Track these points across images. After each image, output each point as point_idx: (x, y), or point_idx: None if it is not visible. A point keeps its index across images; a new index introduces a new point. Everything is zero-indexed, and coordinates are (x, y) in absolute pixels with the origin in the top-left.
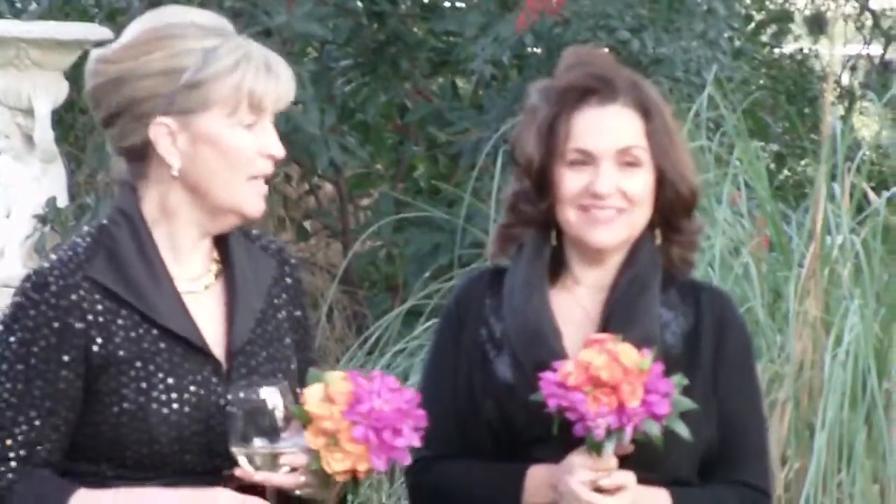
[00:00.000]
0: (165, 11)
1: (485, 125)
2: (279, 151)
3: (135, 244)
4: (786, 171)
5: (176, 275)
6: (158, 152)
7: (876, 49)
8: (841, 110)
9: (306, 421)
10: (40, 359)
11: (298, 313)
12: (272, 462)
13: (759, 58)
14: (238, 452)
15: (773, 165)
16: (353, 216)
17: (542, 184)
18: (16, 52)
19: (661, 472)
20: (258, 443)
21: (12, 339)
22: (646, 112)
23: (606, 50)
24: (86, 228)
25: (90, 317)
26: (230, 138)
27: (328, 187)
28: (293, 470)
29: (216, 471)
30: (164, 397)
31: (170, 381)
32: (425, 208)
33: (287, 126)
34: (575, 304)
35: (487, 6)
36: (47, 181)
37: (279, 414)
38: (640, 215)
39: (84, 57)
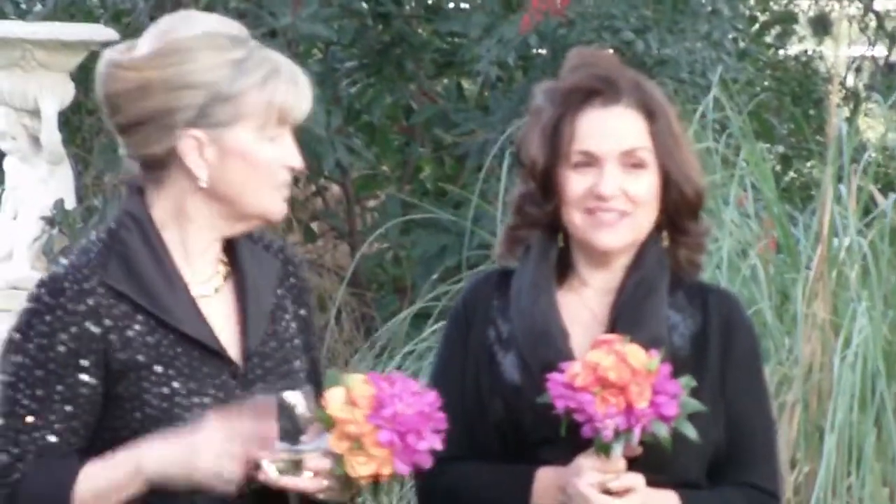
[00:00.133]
0: (185, 18)
1: (490, 126)
2: (299, 163)
3: (147, 249)
4: (792, 173)
5: (187, 279)
6: (185, 164)
7: (880, 50)
8: (846, 112)
9: (330, 425)
10: (59, 364)
11: (303, 312)
12: (296, 466)
13: (764, 59)
14: (262, 457)
15: (778, 167)
16: (360, 218)
17: (547, 186)
18: (21, 53)
19: (669, 474)
20: (282, 447)
21: (30, 345)
22: (650, 113)
23: (611, 51)
24: (94, 233)
25: (107, 321)
26: (258, 152)
27: (335, 189)
28: (315, 474)
29: None
30: (185, 402)
31: (191, 385)
32: (432, 210)
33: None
34: (582, 305)
35: (492, 7)
36: (54, 183)
37: (304, 418)
38: (645, 217)
39: (90, 58)
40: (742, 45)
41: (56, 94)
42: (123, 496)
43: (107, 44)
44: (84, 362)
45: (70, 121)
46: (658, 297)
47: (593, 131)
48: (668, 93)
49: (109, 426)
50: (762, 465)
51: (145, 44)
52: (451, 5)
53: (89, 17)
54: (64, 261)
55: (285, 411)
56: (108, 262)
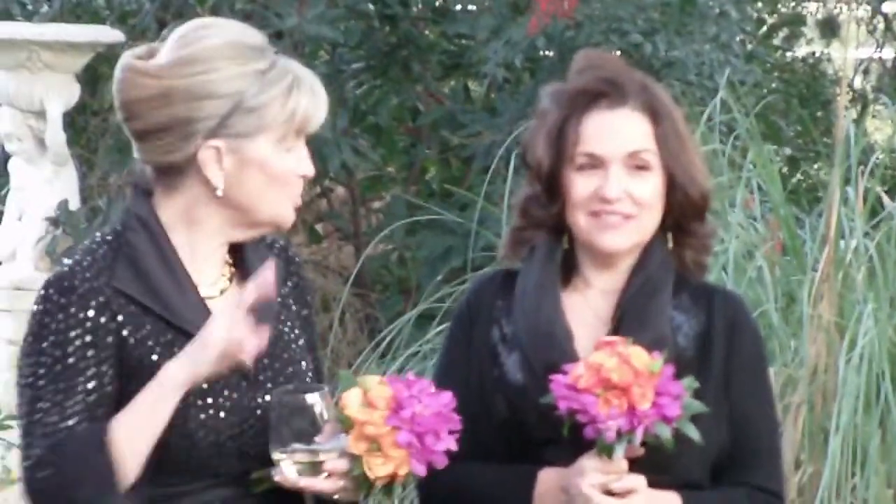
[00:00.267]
0: (206, 26)
1: (497, 128)
2: (312, 172)
3: (155, 251)
4: (799, 175)
5: (195, 281)
6: (203, 172)
7: (888, 52)
8: (854, 114)
9: (349, 426)
10: (78, 357)
11: (305, 312)
12: (314, 467)
13: (772, 61)
14: (280, 458)
15: (785, 169)
16: (366, 219)
17: (552, 188)
18: (27, 54)
19: (672, 475)
20: (300, 448)
21: (45, 344)
22: (655, 116)
23: (618, 53)
24: (98, 234)
25: (120, 317)
26: (276, 163)
27: (340, 190)
28: (330, 474)
29: (246, 474)
30: (200, 402)
31: (204, 386)
32: (438, 211)
33: None
34: (587, 306)
35: (499, 9)
36: (59, 184)
37: (322, 420)
38: (650, 220)
39: (96, 59)
40: (750, 47)
41: (61, 95)
42: (161, 421)
43: (113, 45)
44: (103, 354)
45: (75, 122)
46: (662, 297)
47: (598, 133)
48: (675, 95)
49: None
50: (766, 466)
51: (166, 51)
52: (459, 7)
53: (95, 18)
54: (68, 261)
55: (306, 412)
56: (115, 264)
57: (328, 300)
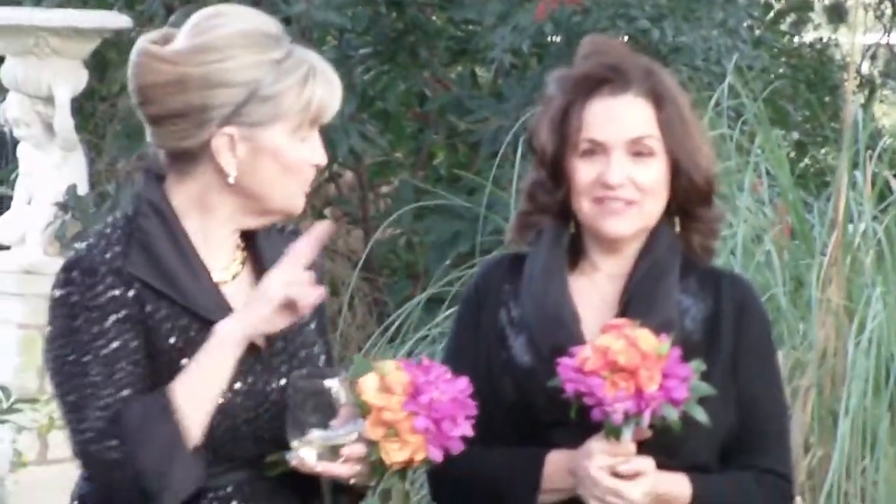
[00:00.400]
0: (222, 13)
1: (504, 114)
2: (325, 161)
3: (167, 236)
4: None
5: (208, 266)
6: (216, 159)
7: None
8: (861, 99)
9: (366, 412)
10: (118, 331)
11: None
12: (333, 452)
13: (779, 46)
14: (298, 443)
15: (793, 154)
16: (374, 204)
17: (556, 174)
18: (35, 40)
19: (679, 457)
20: (318, 433)
21: (78, 322)
22: (659, 101)
23: (626, 39)
24: (110, 219)
25: (141, 296)
26: (290, 152)
27: (348, 175)
28: (346, 459)
29: (261, 458)
30: None
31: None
32: (445, 196)
33: None
34: (594, 289)
35: None
36: (67, 169)
37: (340, 405)
38: (654, 205)
39: (104, 45)
40: (757, 32)
41: (69, 80)
42: (222, 380)
43: (120, 31)
44: (137, 328)
45: (83, 107)
46: (669, 281)
47: (600, 120)
48: (682, 80)
49: None
50: (774, 448)
51: (182, 38)
52: None
53: (103, 3)
54: (83, 244)
55: (323, 397)
56: (129, 249)
57: (337, 284)
